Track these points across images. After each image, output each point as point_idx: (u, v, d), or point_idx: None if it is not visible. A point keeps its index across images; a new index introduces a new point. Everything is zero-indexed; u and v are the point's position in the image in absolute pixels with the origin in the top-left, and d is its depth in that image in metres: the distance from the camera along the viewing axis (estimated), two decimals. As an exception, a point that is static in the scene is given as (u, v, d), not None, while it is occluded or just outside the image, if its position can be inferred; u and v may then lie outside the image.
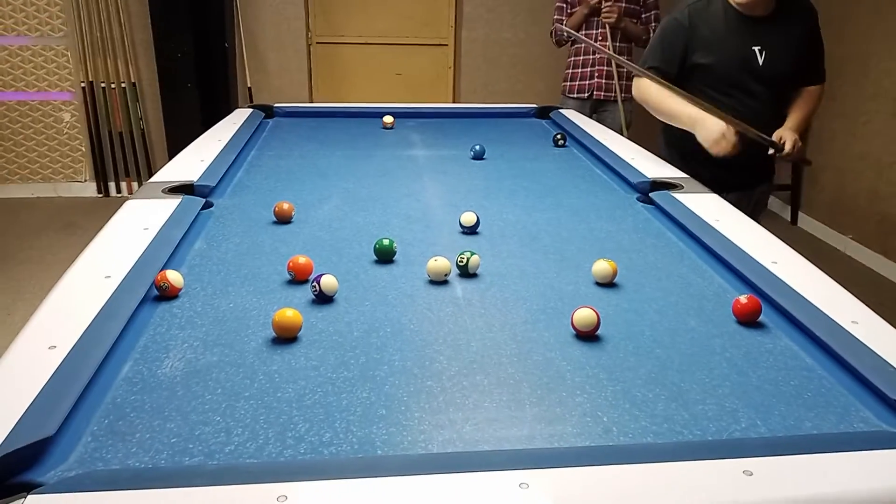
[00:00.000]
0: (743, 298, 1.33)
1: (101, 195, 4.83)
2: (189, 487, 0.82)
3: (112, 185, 4.82)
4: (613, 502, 0.83)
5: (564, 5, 3.81)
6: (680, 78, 2.26)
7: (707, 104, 2.10)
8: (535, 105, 3.19)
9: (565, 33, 3.77)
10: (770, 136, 2.21)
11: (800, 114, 2.32)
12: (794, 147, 2.19)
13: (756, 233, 1.72)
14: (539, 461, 0.89)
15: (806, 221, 4.51)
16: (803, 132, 2.31)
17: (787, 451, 0.92)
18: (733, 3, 2.20)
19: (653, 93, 2.26)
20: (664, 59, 2.28)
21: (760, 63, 2.17)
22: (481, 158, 2.46)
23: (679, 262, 1.61)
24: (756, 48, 2.20)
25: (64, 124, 4.73)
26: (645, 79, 2.26)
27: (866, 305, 1.32)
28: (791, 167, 4.49)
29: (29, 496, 0.80)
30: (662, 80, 2.20)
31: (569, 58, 3.95)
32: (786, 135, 2.22)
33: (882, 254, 3.85)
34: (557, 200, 2.03)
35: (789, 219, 4.59)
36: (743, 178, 2.37)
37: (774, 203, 4.76)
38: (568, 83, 3.93)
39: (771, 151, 2.21)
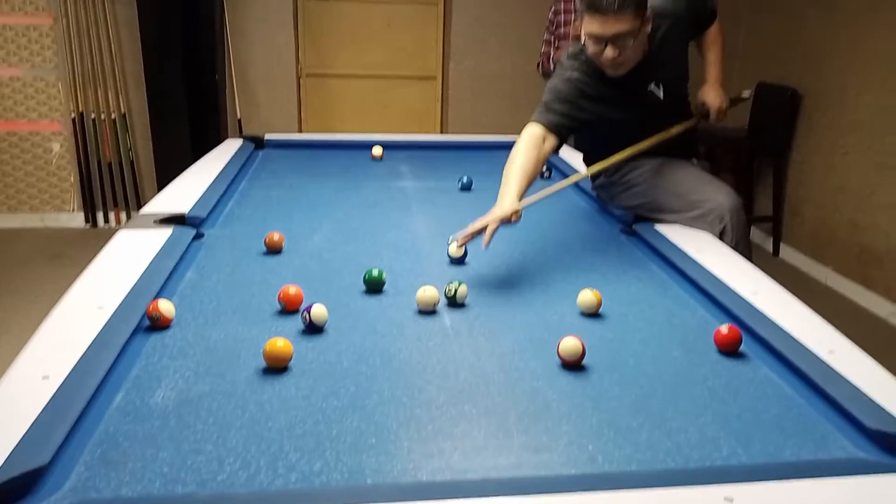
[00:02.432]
0: (724, 328, 1.36)
1: (88, 225, 4.82)
2: (182, 516, 0.84)
3: (100, 215, 4.82)
4: (598, 528, 0.85)
5: (552, 38, 3.88)
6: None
7: (518, 188, 1.82)
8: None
9: (553, 66, 3.85)
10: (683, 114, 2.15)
11: (713, 60, 2.22)
12: (719, 107, 2.10)
13: (737, 264, 1.76)
14: (527, 489, 0.91)
15: (787, 252, 4.58)
16: (724, 76, 2.21)
17: (767, 478, 0.94)
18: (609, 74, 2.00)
19: (515, 149, 1.94)
20: (562, 114, 1.99)
21: (662, 96, 2.07)
22: (469, 189, 2.50)
23: (662, 293, 1.65)
24: (652, 85, 2.06)
25: (53, 154, 4.74)
26: (525, 130, 1.98)
27: (847, 336, 1.35)
28: (772, 201, 4.59)
29: (24, 525, 0.81)
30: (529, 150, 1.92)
31: None
32: (708, 98, 2.12)
33: (862, 284, 3.91)
34: (543, 232, 2.07)
35: (771, 250, 4.67)
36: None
37: (756, 234, 4.82)
38: None
39: (702, 121, 2.16)
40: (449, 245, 1.79)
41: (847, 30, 4.04)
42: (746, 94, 2.36)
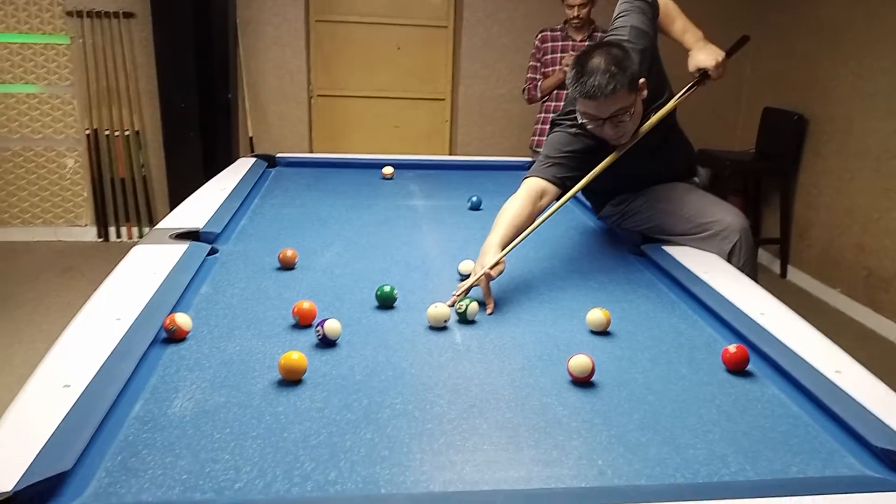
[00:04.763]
0: (732, 348, 1.38)
1: (101, 240, 4.87)
2: (202, 521, 0.86)
3: (112, 230, 4.87)
4: (608, 540, 0.86)
5: (538, 65, 3.90)
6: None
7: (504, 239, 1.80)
8: (529, 158, 3.28)
9: (539, 94, 3.86)
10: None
11: (682, 27, 2.13)
12: (716, 62, 1.95)
13: (744, 285, 1.78)
14: (537, 501, 0.93)
15: (795, 275, 4.59)
16: (701, 32, 2.09)
17: (774, 493, 0.96)
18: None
19: (511, 200, 1.92)
20: (565, 165, 1.98)
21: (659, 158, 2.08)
22: (478, 209, 2.53)
23: (670, 313, 1.67)
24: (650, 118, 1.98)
25: (67, 170, 4.81)
26: (524, 184, 1.97)
27: (854, 358, 1.37)
28: (780, 223, 4.61)
29: (49, 527, 0.83)
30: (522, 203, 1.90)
31: (539, 113, 4.01)
32: (699, 60, 1.98)
33: (870, 307, 3.91)
34: (552, 251, 2.09)
35: (778, 272, 4.69)
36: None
37: (763, 256, 4.84)
38: (537, 137, 3.98)
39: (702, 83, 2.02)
40: (432, 309, 1.56)
41: (853, 58, 4.08)
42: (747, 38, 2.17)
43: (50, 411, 1.07)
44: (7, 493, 0.88)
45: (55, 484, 0.92)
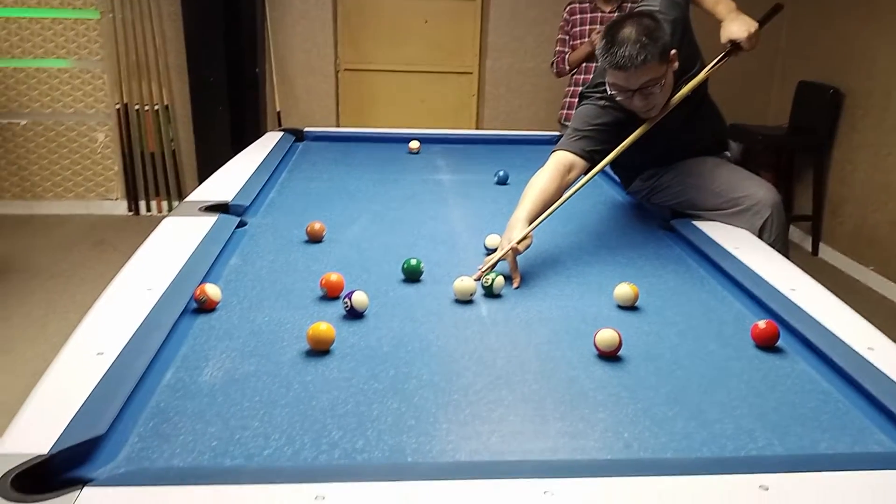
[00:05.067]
0: (762, 323, 1.36)
1: (131, 213, 4.94)
2: (233, 485, 0.88)
3: (143, 203, 4.94)
4: (634, 511, 0.87)
5: (566, 37, 3.85)
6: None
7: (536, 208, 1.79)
8: (557, 133, 3.25)
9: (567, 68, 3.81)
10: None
11: (717, 1, 2.02)
12: (749, 33, 1.89)
13: (775, 261, 1.76)
14: (563, 471, 0.93)
15: (827, 252, 4.51)
16: (734, 3, 2.00)
17: (803, 469, 0.95)
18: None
19: (539, 174, 1.91)
20: (594, 138, 1.95)
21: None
22: (505, 183, 2.52)
23: (699, 288, 1.65)
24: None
25: (98, 144, 4.87)
26: (552, 157, 1.95)
27: (888, 336, 1.35)
28: (812, 200, 4.52)
29: (85, 489, 0.85)
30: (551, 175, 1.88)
31: (567, 86, 3.97)
32: (731, 31, 1.91)
33: (904, 286, 3.85)
34: (580, 225, 2.08)
35: (810, 249, 4.61)
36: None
37: (795, 234, 4.76)
38: (565, 111, 3.94)
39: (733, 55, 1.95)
40: (458, 283, 1.56)
41: (893, 30, 3.96)
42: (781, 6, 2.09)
43: (84, 378, 1.09)
44: (44, 455, 0.90)
45: (89, 448, 0.94)
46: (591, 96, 2.03)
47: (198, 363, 1.22)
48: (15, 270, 3.93)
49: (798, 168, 4.81)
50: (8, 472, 0.86)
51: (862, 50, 4.20)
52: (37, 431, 0.95)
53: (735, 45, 1.93)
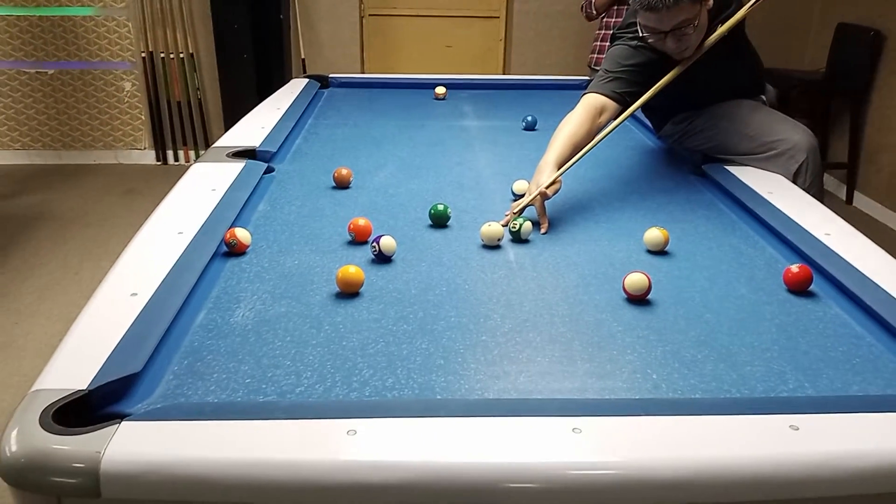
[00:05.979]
0: (794, 267, 1.34)
1: (159, 163, 4.98)
2: (267, 420, 0.89)
3: (170, 153, 4.97)
4: (664, 450, 0.87)
5: None
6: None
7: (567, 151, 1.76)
8: (587, 77, 3.18)
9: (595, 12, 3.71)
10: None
11: None
12: None
13: (810, 206, 1.72)
14: (591, 410, 0.94)
15: (861, 201, 4.42)
16: None
17: (833, 410, 0.94)
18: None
19: (569, 117, 1.87)
20: (626, 80, 1.90)
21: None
22: (533, 129, 2.48)
23: (730, 233, 1.63)
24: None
25: (124, 93, 4.88)
26: (583, 100, 1.90)
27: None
28: (848, 147, 4.41)
29: (123, 422, 0.88)
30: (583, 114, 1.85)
31: (598, 30, 3.87)
32: None
33: (941, 235, 3.77)
34: (609, 171, 2.05)
35: (844, 198, 4.52)
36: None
37: (830, 181, 4.66)
38: (595, 55, 3.86)
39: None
40: (485, 228, 1.54)
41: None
42: None
43: (119, 318, 1.11)
44: (83, 390, 0.92)
45: (126, 384, 0.97)
46: (623, 36, 1.98)
47: (229, 304, 1.24)
48: (49, 218, 4.00)
49: (834, 114, 4.68)
50: (50, 405, 0.89)
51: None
52: (76, 368, 0.97)
53: None
